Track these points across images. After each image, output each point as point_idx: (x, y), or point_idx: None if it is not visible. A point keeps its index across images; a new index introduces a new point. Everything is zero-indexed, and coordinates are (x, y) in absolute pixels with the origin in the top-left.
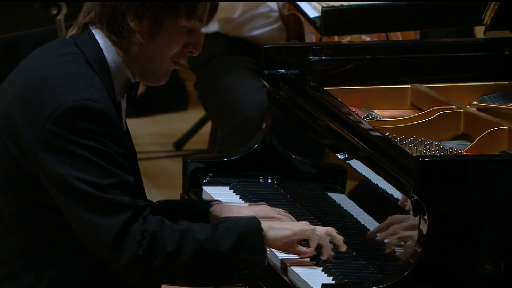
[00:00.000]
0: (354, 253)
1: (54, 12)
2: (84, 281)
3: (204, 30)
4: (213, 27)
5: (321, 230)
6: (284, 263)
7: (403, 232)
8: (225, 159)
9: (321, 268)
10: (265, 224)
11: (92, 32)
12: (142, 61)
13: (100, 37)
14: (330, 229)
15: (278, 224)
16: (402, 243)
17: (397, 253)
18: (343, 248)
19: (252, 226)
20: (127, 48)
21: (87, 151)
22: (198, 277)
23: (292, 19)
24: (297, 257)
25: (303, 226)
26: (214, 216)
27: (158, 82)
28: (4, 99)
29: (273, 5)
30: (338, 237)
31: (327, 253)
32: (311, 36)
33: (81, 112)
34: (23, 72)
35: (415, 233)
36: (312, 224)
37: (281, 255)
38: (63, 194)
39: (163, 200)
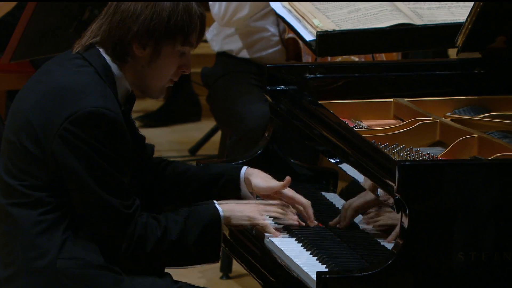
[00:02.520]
0: (345, 244)
1: None
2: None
3: (216, 50)
4: (222, 47)
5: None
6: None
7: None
8: (233, 163)
9: (316, 258)
10: (226, 212)
11: (98, 50)
12: (143, 80)
13: (105, 55)
14: (274, 209)
15: (238, 209)
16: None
17: (382, 243)
18: (294, 218)
19: (213, 216)
20: (128, 68)
21: (96, 152)
22: (171, 263)
23: (291, 42)
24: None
25: (255, 216)
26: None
27: (156, 97)
28: (25, 104)
29: (275, 30)
30: (286, 215)
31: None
32: (307, 57)
33: (97, 117)
34: (42, 81)
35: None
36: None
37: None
38: (72, 185)
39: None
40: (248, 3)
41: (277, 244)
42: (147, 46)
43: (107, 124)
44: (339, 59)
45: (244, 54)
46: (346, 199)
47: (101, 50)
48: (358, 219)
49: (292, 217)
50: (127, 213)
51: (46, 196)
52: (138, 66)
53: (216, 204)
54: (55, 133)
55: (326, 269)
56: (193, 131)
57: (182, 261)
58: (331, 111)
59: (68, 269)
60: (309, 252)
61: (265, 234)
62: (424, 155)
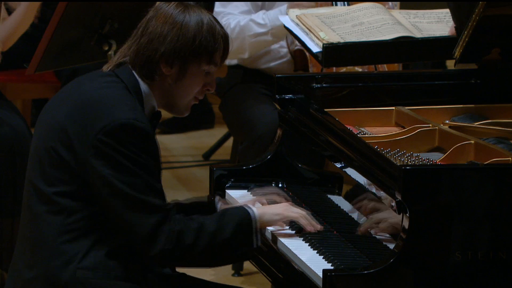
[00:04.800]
0: (349, 244)
1: (106, 48)
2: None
3: (227, 63)
4: (234, 61)
5: (297, 213)
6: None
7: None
8: (244, 167)
9: (322, 256)
10: (259, 211)
11: (128, 67)
12: (170, 98)
13: (134, 73)
14: (304, 213)
15: (270, 210)
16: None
17: (384, 242)
18: (317, 227)
19: (246, 213)
20: (156, 86)
21: (130, 161)
22: (207, 260)
23: (299, 53)
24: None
25: (289, 213)
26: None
27: (182, 114)
28: (59, 114)
29: (283, 43)
30: (312, 221)
31: (307, 227)
32: (313, 68)
33: (129, 128)
34: (73, 94)
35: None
36: (312, 220)
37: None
38: (107, 194)
39: (174, 202)
40: (248, 48)
41: (286, 244)
42: (174, 65)
43: (138, 135)
44: (344, 69)
45: (254, 65)
46: (350, 201)
47: (131, 68)
48: (361, 220)
49: (316, 226)
50: (166, 210)
51: (74, 205)
52: (166, 84)
53: (247, 206)
54: (90, 144)
55: (332, 267)
56: (207, 138)
57: (218, 256)
58: (336, 119)
59: (87, 279)
60: (316, 251)
61: (279, 238)
62: (424, 160)
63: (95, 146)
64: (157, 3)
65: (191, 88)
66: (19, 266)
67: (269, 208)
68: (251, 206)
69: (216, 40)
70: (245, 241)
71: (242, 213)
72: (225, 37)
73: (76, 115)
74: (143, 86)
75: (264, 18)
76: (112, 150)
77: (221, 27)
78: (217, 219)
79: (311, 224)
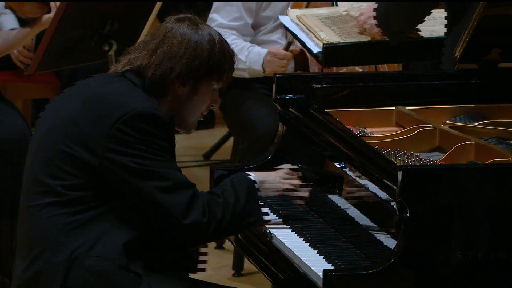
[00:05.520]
0: (349, 244)
1: (106, 48)
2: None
3: None
4: None
5: (293, 188)
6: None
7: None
8: (245, 167)
9: (322, 256)
10: (259, 177)
11: (137, 74)
12: (179, 116)
13: (141, 82)
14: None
15: (270, 177)
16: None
17: (384, 243)
18: (306, 194)
19: (251, 181)
20: (164, 103)
21: (150, 147)
22: (229, 232)
23: (299, 54)
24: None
25: (287, 186)
26: None
27: (189, 131)
28: (66, 111)
29: (284, 42)
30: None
31: (299, 205)
32: (314, 68)
33: (148, 117)
34: (80, 91)
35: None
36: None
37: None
38: (135, 180)
39: None
40: (247, 69)
41: (286, 244)
42: (187, 84)
43: (157, 123)
44: (344, 70)
45: None
46: (350, 201)
47: (139, 77)
48: (362, 220)
49: (305, 194)
50: (193, 185)
51: (83, 196)
52: (176, 102)
53: (247, 173)
54: (107, 133)
55: (332, 267)
56: (207, 138)
57: (238, 225)
58: (337, 119)
59: (93, 267)
60: (316, 251)
61: (279, 237)
62: (424, 160)
63: (113, 135)
64: (167, 23)
65: (200, 106)
66: (19, 267)
67: (268, 175)
68: (249, 173)
69: (226, 59)
70: (256, 208)
71: (248, 180)
72: (232, 55)
73: (88, 108)
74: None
75: (247, 56)
76: (133, 138)
77: (229, 45)
78: (232, 189)
79: (301, 199)
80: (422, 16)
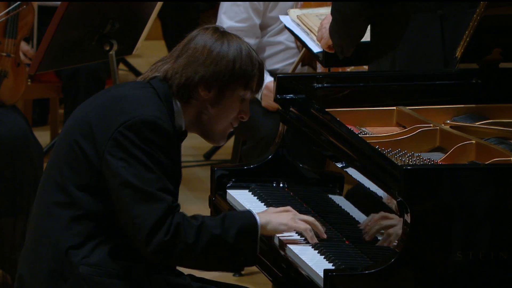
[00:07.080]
0: (350, 244)
1: (107, 48)
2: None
3: None
4: None
5: (303, 224)
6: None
7: (383, 223)
8: (245, 167)
9: (323, 256)
10: (263, 219)
11: (163, 81)
12: (206, 124)
13: (168, 88)
14: (311, 221)
15: (275, 219)
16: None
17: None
18: (324, 236)
19: (250, 220)
20: (190, 109)
21: (146, 156)
22: (207, 263)
23: (307, 53)
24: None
25: (294, 224)
26: None
27: (218, 142)
28: (86, 111)
29: (292, 44)
30: (319, 228)
31: (311, 240)
32: (321, 67)
33: (150, 125)
34: (102, 94)
35: (393, 225)
36: (318, 227)
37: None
38: (117, 184)
39: None
40: None
41: (287, 245)
42: (212, 89)
43: (159, 133)
44: (348, 69)
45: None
46: (351, 201)
47: (165, 83)
48: (363, 220)
49: (322, 234)
50: (172, 206)
51: (85, 199)
52: (202, 108)
53: (253, 212)
54: (109, 136)
55: (333, 267)
56: None
57: (220, 259)
58: (338, 119)
59: (90, 276)
60: (317, 251)
61: (279, 238)
62: (425, 160)
63: (114, 139)
64: (193, 32)
65: (227, 113)
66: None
67: (274, 217)
68: (255, 212)
69: (253, 66)
70: (248, 248)
71: (247, 218)
72: (261, 65)
73: (103, 111)
74: (176, 102)
75: None
76: (131, 143)
77: (257, 54)
78: (221, 220)
79: (315, 235)
80: (354, 34)
